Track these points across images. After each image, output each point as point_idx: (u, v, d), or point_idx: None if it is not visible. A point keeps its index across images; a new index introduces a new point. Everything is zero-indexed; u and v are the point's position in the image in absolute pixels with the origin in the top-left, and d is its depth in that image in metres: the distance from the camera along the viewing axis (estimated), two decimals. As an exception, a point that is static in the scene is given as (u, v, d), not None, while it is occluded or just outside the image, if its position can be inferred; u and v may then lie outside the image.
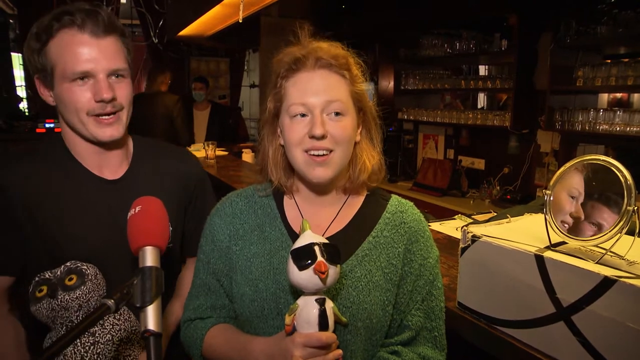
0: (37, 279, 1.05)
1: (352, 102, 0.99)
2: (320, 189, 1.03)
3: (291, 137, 0.96)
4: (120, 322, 1.05)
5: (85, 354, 0.98)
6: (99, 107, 1.09)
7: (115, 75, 1.11)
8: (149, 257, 0.79)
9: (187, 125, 4.84)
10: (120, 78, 1.13)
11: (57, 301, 1.01)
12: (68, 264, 1.06)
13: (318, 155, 0.95)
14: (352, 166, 1.03)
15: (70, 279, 1.03)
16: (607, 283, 0.82)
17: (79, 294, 1.02)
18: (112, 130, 1.12)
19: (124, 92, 1.13)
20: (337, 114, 0.95)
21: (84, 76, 1.07)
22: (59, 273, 1.05)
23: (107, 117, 1.11)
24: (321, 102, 0.94)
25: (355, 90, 0.99)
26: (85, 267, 1.06)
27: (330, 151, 0.95)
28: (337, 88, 0.96)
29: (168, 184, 1.27)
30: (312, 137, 0.93)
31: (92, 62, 1.06)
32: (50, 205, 1.12)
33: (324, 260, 0.82)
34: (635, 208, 0.84)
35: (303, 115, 0.95)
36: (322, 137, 0.93)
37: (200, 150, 4.37)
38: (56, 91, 1.09)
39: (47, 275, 1.05)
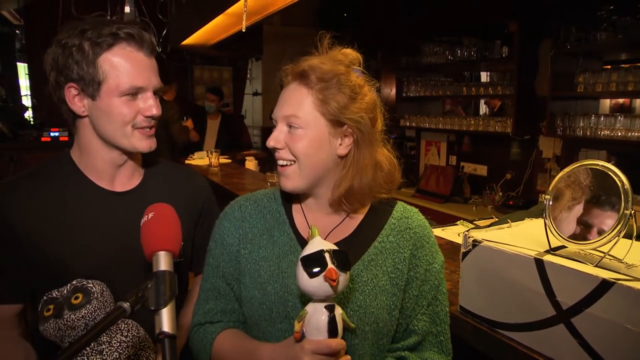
0: (45, 297, 1.04)
1: (319, 115, 0.96)
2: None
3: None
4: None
5: None
6: (146, 121, 1.15)
7: (157, 92, 1.17)
8: (163, 262, 0.81)
9: (183, 127, 4.98)
10: (158, 95, 1.19)
11: (63, 321, 1.00)
12: (74, 282, 1.05)
13: (282, 165, 1.00)
14: (334, 182, 1.01)
15: (76, 298, 1.01)
16: (605, 285, 0.83)
17: (85, 313, 1.00)
18: (151, 142, 1.19)
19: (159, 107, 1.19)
20: (293, 126, 0.97)
21: (137, 92, 1.12)
22: (65, 291, 1.03)
23: (149, 129, 1.17)
24: (281, 115, 0.99)
25: (328, 107, 0.96)
26: (91, 285, 1.04)
27: (293, 162, 0.99)
28: (299, 101, 0.97)
29: (179, 198, 1.27)
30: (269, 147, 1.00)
31: (147, 79, 1.12)
32: (54, 223, 1.12)
33: (335, 268, 0.82)
34: (633, 212, 0.86)
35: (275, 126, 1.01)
36: (275, 149, 0.99)
37: (204, 158, 4.40)
38: (100, 103, 1.10)
39: (54, 294, 1.04)
